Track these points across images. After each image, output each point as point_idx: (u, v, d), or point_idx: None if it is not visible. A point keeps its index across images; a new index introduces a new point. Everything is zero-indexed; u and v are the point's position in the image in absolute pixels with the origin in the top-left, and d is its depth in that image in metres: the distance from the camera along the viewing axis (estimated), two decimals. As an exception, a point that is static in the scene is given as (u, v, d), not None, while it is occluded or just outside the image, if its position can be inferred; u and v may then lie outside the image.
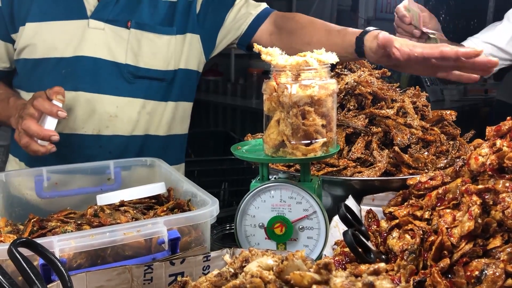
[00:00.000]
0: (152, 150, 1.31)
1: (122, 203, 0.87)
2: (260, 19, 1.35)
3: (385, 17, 4.07)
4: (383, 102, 1.15)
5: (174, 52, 1.30)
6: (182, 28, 1.31)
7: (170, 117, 1.35)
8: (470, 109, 4.01)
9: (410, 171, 1.03)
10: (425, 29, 1.38)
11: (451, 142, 1.12)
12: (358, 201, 0.98)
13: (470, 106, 4.06)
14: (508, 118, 0.83)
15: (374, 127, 1.11)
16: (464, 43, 1.64)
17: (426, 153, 1.08)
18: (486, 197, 0.73)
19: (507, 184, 0.73)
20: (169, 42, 1.29)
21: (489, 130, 0.84)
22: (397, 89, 1.24)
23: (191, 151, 2.48)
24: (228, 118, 4.45)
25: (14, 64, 1.31)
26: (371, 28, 1.14)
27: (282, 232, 0.81)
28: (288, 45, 1.12)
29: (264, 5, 1.39)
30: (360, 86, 1.15)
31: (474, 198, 0.73)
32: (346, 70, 1.26)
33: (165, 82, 1.31)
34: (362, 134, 1.10)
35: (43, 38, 1.24)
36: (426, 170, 1.03)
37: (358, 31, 1.13)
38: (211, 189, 1.90)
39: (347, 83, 1.17)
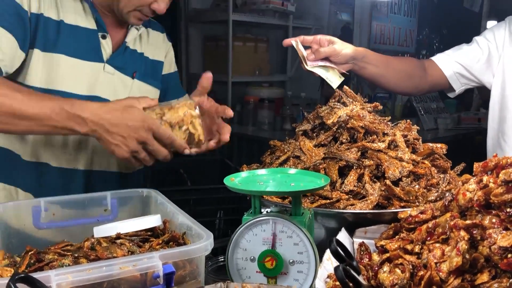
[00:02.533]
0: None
1: (118, 236, 0.89)
2: None
3: (379, 48, 4.16)
4: (375, 136, 1.18)
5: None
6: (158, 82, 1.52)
7: None
8: (463, 138, 4.06)
9: (402, 204, 1.06)
10: (308, 68, 1.43)
11: (442, 176, 1.15)
12: (351, 233, 0.99)
13: (463, 134, 4.11)
14: (494, 154, 0.86)
15: (366, 160, 1.14)
16: (433, 58, 1.67)
17: (417, 186, 1.10)
18: (474, 232, 0.76)
19: (494, 220, 0.75)
20: (157, 94, 1.49)
21: (476, 166, 0.87)
22: (388, 122, 1.27)
23: (187, 178, 2.49)
24: (224, 145, 4.47)
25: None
26: None
27: (272, 266, 0.83)
28: None
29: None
30: (352, 120, 1.18)
31: (462, 233, 0.75)
32: (338, 103, 1.29)
33: None
34: (354, 167, 1.13)
35: (61, 71, 1.28)
36: (417, 203, 1.06)
37: None
38: (206, 218, 1.92)
39: (339, 117, 1.20)
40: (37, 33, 1.25)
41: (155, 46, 1.51)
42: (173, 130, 1.09)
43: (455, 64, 1.61)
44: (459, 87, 1.65)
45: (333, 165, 1.14)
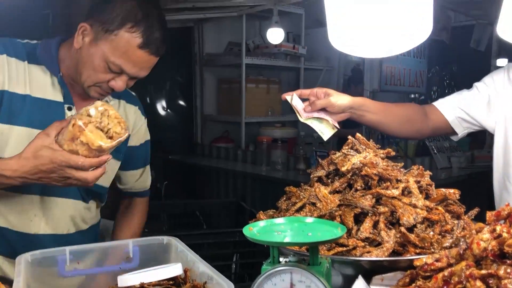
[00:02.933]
0: None
1: (142, 285, 0.92)
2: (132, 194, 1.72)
3: (390, 89, 4.23)
4: (389, 182, 1.21)
5: (114, 173, 1.59)
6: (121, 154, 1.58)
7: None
8: (478, 176, 4.04)
9: (417, 251, 1.07)
10: (302, 120, 1.52)
11: (456, 221, 1.17)
12: (368, 280, 1.01)
13: (477, 173, 4.10)
14: (506, 204, 0.88)
15: (381, 206, 1.16)
16: (435, 103, 1.70)
17: (431, 232, 1.12)
18: (490, 282, 0.77)
19: (508, 270, 0.77)
20: (116, 167, 1.58)
21: (489, 215, 0.89)
22: (401, 169, 1.30)
23: (203, 221, 2.52)
24: (239, 185, 4.51)
25: None
26: None
27: (293, 315, 0.85)
28: None
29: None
30: (366, 167, 1.21)
31: (478, 283, 0.76)
32: (352, 150, 1.33)
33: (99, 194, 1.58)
34: (369, 214, 1.15)
35: (22, 143, 1.31)
36: (432, 250, 1.07)
37: None
38: (222, 262, 1.93)
39: (353, 164, 1.24)
40: (1, 107, 1.33)
41: (124, 118, 1.50)
42: (77, 146, 1.10)
43: (456, 109, 1.64)
44: (461, 131, 1.67)
45: (348, 212, 1.17)
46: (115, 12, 1.30)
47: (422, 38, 0.91)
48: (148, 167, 1.72)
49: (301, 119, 1.50)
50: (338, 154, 1.35)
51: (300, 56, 5.14)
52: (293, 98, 1.54)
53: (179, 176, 5.07)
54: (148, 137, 1.68)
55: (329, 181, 1.32)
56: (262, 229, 0.97)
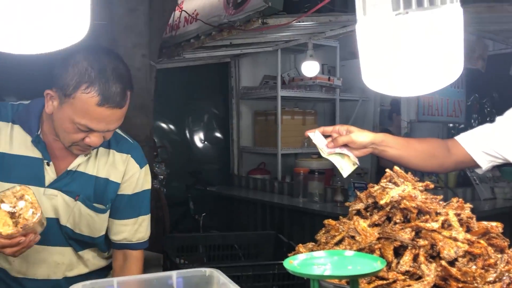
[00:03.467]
0: None
1: (186, 316, 0.95)
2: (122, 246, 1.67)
3: (428, 119, 4.19)
4: (428, 215, 1.21)
5: (103, 225, 1.60)
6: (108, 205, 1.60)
7: None
8: (525, 207, 3.90)
9: (460, 285, 1.06)
10: (325, 155, 1.58)
11: (499, 255, 1.15)
12: (409, 315, 1.01)
13: (524, 204, 3.95)
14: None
15: (420, 240, 1.16)
16: (456, 138, 1.70)
17: (474, 266, 1.11)
18: (535, 317, 0.77)
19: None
20: (103, 218, 1.59)
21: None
22: (441, 201, 1.30)
23: (241, 254, 2.53)
24: (276, 216, 4.52)
25: None
26: None
27: None
28: None
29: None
30: (404, 200, 1.22)
31: (522, 318, 0.76)
32: (390, 183, 1.34)
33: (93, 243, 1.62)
34: (409, 247, 1.16)
35: None
36: (475, 284, 1.06)
37: None
38: (262, 295, 1.92)
39: (392, 197, 1.25)
40: None
41: (114, 167, 1.56)
42: None
43: (478, 143, 1.64)
44: (485, 165, 1.66)
45: (388, 245, 1.18)
46: (70, 75, 1.33)
47: (454, 76, 0.94)
48: (145, 218, 1.66)
49: (323, 155, 1.56)
50: (376, 187, 1.36)
51: (335, 87, 5.18)
52: (315, 135, 1.59)
53: (217, 208, 5.13)
54: (146, 187, 1.64)
55: (368, 214, 1.33)
56: (302, 262, 0.99)
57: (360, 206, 1.36)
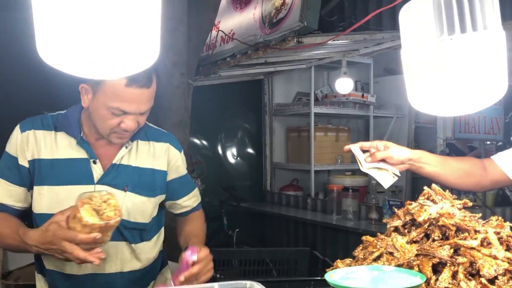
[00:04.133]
0: None
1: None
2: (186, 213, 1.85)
3: (464, 137, 4.14)
4: (467, 233, 1.22)
5: (154, 208, 1.69)
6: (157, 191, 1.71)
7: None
8: None
9: (500, 303, 1.06)
10: (364, 169, 1.62)
11: (540, 275, 1.14)
12: (449, 332, 1.02)
13: None
14: None
15: (459, 257, 1.17)
16: (493, 157, 1.71)
17: (514, 285, 1.11)
18: None
19: None
20: (153, 201, 1.68)
21: None
22: (479, 219, 1.31)
23: (274, 269, 2.56)
24: (309, 233, 4.51)
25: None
26: None
27: None
28: None
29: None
30: (443, 218, 1.23)
31: None
32: (428, 201, 1.35)
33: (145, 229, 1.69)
34: (448, 264, 1.17)
35: (56, 198, 1.55)
36: (516, 303, 1.06)
37: None
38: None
39: (430, 214, 1.26)
40: (35, 174, 1.56)
41: (156, 156, 1.69)
42: (76, 224, 1.30)
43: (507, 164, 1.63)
44: None
45: (426, 261, 1.19)
46: None
47: (498, 97, 0.96)
48: (195, 188, 1.86)
49: (362, 169, 1.61)
50: (414, 204, 1.38)
51: (369, 104, 5.17)
52: (355, 149, 1.63)
53: (249, 223, 5.16)
54: (184, 172, 1.81)
55: (405, 231, 1.34)
56: (343, 276, 1.02)
57: (398, 223, 1.37)
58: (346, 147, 1.71)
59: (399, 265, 1.21)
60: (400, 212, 1.41)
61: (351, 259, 1.42)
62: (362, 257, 1.36)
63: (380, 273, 1.01)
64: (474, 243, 1.18)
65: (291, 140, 5.66)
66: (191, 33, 3.14)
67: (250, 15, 3.67)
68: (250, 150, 5.90)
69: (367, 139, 5.37)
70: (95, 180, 1.58)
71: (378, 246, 1.32)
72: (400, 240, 1.28)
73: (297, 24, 3.03)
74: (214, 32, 4.05)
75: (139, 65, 0.68)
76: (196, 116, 4.64)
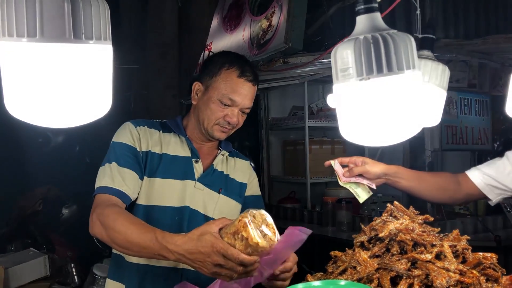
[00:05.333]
0: None
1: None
2: None
3: (452, 147, 4.22)
4: (423, 247, 1.32)
5: (238, 212, 1.79)
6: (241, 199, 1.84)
7: None
8: (558, 235, 3.82)
9: (450, 313, 1.16)
10: (341, 184, 1.77)
11: (489, 285, 1.24)
12: None
13: (557, 231, 3.87)
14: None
15: (416, 270, 1.27)
16: (466, 172, 1.80)
17: (464, 295, 1.20)
18: None
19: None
20: (239, 208, 1.81)
21: (505, 280, 0.98)
22: (437, 234, 1.40)
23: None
24: (306, 245, 4.57)
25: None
26: None
27: None
28: None
29: None
30: (401, 233, 1.33)
31: None
32: (390, 217, 1.45)
33: None
34: (404, 277, 1.26)
35: (159, 190, 1.66)
36: (465, 312, 1.15)
37: None
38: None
39: (390, 230, 1.36)
40: (146, 165, 1.67)
41: (240, 171, 1.86)
42: (236, 241, 1.21)
43: (485, 177, 1.73)
44: (495, 197, 1.75)
45: (385, 275, 1.29)
46: (213, 65, 1.73)
47: (413, 132, 1.08)
48: None
49: (340, 183, 1.73)
50: (378, 220, 1.48)
51: (362, 117, 5.26)
52: (335, 164, 1.75)
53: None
54: (260, 193, 1.92)
55: (370, 245, 1.44)
56: (303, 290, 1.12)
57: (363, 238, 1.47)
58: (327, 162, 1.83)
59: (360, 279, 1.30)
60: (366, 228, 1.51)
61: (322, 273, 1.52)
62: (330, 271, 1.46)
63: (335, 287, 1.11)
64: (429, 257, 1.28)
65: (288, 153, 5.76)
66: (183, 56, 3.26)
67: (240, 37, 3.80)
68: (248, 164, 6.00)
69: (362, 151, 5.46)
70: (196, 177, 1.73)
71: (343, 261, 1.42)
72: (363, 255, 1.37)
73: (282, 45, 3.15)
74: (206, 52, 4.18)
75: (93, 115, 0.80)
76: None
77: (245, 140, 5.99)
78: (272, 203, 5.67)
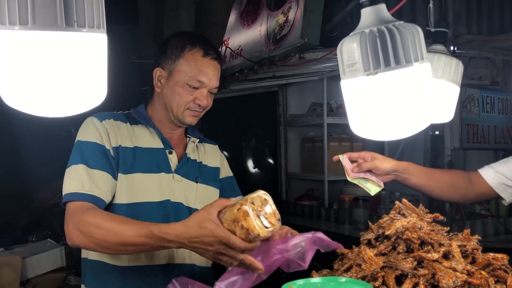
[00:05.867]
0: None
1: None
2: None
3: (473, 147, 4.11)
4: (430, 246, 1.28)
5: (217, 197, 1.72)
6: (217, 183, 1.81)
7: None
8: None
9: (456, 314, 1.12)
10: (349, 179, 1.74)
11: (498, 287, 1.20)
12: None
13: None
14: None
15: (422, 269, 1.23)
16: (479, 170, 1.75)
17: (471, 296, 1.16)
18: None
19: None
20: (218, 193, 1.78)
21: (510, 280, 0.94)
22: (445, 233, 1.36)
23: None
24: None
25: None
26: None
27: None
28: None
29: None
30: (407, 231, 1.30)
31: None
32: (398, 215, 1.42)
33: None
34: (409, 276, 1.23)
35: (138, 186, 1.59)
36: (471, 313, 1.12)
37: None
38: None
39: (397, 228, 1.33)
40: (119, 161, 1.58)
41: (211, 155, 1.83)
42: (236, 228, 1.19)
43: (499, 175, 1.67)
44: (509, 197, 1.69)
45: (390, 273, 1.26)
46: (173, 47, 1.64)
47: (422, 126, 1.04)
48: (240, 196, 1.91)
49: (349, 178, 1.69)
50: (385, 218, 1.44)
51: (382, 114, 5.18)
52: (344, 159, 1.71)
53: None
54: (231, 174, 1.90)
55: (377, 243, 1.41)
56: (301, 286, 1.10)
57: (370, 236, 1.44)
58: (335, 157, 1.78)
59: (364, 277, 1.28)
60: (374, 226, 1.48)
61: (328, 270, 1.50)
62: (336, 268, 1.43)
63: (336, 284, 1.09)
64: (435, 256, 1.24)
65: (306, 150, 5.72)
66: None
67: (257, 32, 3.78)
68: (266, 161, 5.99)
69: (381, 148, 5.38)
70: (173, 169, 1.68)
71: (349, 258, 1.39)
72: (368, 253, 1.35)
73: (299, 41, 3.12)
74: (223, 48, 4.17)
75: (87, 105, 0.80)
76: (213, 129, 4.77)
77: (263, 137, 5.97)
78: (289, 200, 5.65)
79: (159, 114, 1.70)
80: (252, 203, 1.19)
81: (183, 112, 1.64)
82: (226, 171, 1.88)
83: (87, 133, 1.57)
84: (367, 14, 1.06)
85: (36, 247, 3.23)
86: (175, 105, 1.63)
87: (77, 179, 1.47)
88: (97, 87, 0.80)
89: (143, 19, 3.49)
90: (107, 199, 1.52)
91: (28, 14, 0.72)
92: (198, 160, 1.77)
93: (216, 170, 1.83)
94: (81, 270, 1.67)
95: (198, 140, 1.80)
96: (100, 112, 1.63)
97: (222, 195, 1.81)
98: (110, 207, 1.57)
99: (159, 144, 1.68)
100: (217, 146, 1.91)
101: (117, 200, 1.57)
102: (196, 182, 1.72)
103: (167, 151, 1.69)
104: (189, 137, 1.78)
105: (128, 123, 1.67)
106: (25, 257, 2.95)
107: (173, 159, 1.69)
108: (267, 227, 1.19)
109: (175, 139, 1.75)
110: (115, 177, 1.56)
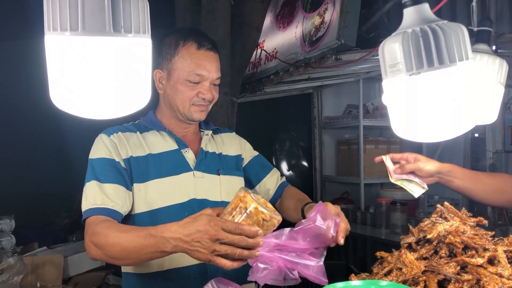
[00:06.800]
0: None
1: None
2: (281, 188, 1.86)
3: (515, 149, 3.98)
4: (474, 251, 1.25)
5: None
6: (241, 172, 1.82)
7: None
8: None
9: (502, 321, 1.09)
10: (393, 181, 1.66)
11: (548, 294, 1.15)
12: None
13: None
14: None
15: (466, 274, 1.20)
16: None
17: (518, 303, 1.12)
18: None
19: None
20: (243, 182, 1.79)
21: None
22: (490, 238, 1.32)
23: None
24: (358, 247, 4.48)
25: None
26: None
27: None
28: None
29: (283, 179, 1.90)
30: (450, 235, 1.27)
31: None
32: (440, 218, 1.39)
33: None
34: (452, 281, 1.20)
35: (158, 192, 1.59)
36: (518, 321, 1.08)
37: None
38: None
39: (439, 232, 1.30)
40: (132, 172, 1.59)
41: (230, 144, 1.83)
42: (234, 218, 1.19)
43: None
44: None
45: (432, 278, 1.23)
46: (166, 46, 1.64)
47: (466, 127, 1.01)
48: (274, 169, 1.90)
49: (392, 180, 1.66)
50: (427, 221, 1.41)
51: (420, 116, 5.07)
52: (387, 159, 1.68)
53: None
54: (256, 153, 1.91)
55: (418, 247, 1.38)
56: (342, 289, 1.09)
57: (411, 239, 1.42)
58: (377, 158, 1.75)
59: (405, 281, 1.25)
60: (414, 229, 1.45)
61: (367, 274, 1.48)
62: (375, 272, 1.41)
63: (377, 287, 1.07)
64: (480, 261, 1.21)
65: (341, 153, 5.66)
66: (235, 54, 3.29)
67: (292, 34, 3.78)
68: (301, 163, 5.97)
69: (419, 151, 5.27)
70: (192, 167, 1.68)
71: (389, 262, 1.37)
72: (409, 256, 1.32)
73: (335, 42, 3.10)
74: (259, 51, 4.20)
75: (132, 107, 0.82)
76: (248, 131, 4.78)
77: (297, 139, 5.96)
78: (324, 203, 5.60)
79: (168, 116, 1.71)
80: (249, 193, 1.22)
81: (189, 108, 1.64)
82: (250, 153, 1.87)
83: (97, 150, 1.59)
84: (409, 14, 1.04)
85: (77, 246, 3.33)
86: (180, 103, 1.63)
87: (91, 195, 1.49)
88: (141, 89, 0.83)
89: (180, 23, 3.54)
90: (122, 210, 1.52)
91: (78, 20, 0.75)
92: (217, 152, 1.76)
93: (238, 158, 1.82)
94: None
95: (211, 131, 1.79)
96: (110, 127, 1.66)
97: (255, 175, 1.83)
98: (131, 218, 1.58)
99: (173, 146, 1.68)
100: (234, 133, 1.90)
101: (137, 210, 1.58)
102: (218, 175, 1.71)
103: (182, 150, 1.68)
104: (202, 131, 1.78)
105: (138, 132, 1.67)
106: (66, 255, 3.05)
107: (190, 157, 1.68)
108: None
109: (189, 136, 1.74)
110: (129, 188, 1.56)
